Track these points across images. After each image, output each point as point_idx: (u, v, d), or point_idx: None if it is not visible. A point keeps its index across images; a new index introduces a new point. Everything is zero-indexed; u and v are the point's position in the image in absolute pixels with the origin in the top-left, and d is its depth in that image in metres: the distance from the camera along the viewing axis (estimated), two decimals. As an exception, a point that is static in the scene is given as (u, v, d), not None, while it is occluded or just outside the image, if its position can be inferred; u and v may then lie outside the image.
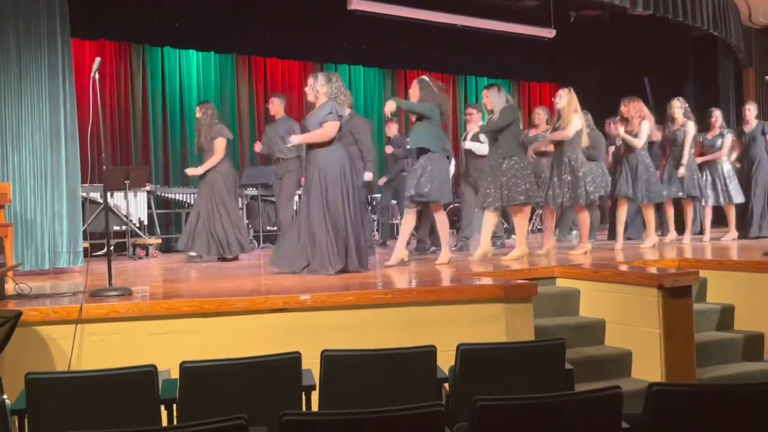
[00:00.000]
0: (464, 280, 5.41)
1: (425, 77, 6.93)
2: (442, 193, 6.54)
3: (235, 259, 7.87)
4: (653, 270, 5.62)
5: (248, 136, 11.73)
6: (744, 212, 9.20)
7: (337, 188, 5.93)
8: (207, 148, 7.84)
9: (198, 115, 8.02)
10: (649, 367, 5.03)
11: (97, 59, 4.85)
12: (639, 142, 7.67)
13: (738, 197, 8.77)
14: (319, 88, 6.11)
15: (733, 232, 8.83)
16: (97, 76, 4.75)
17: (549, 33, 11.50)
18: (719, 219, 9.38)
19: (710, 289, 6.02)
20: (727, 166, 8.84)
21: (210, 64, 11.64)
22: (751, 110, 9.28)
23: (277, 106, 8.25)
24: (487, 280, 5.19)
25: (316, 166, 5.96)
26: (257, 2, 10.46)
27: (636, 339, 5.17)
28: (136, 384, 3.07)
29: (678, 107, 8.45)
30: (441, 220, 6.71)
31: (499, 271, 5.77)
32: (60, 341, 4.14)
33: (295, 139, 6.25)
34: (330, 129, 5.95)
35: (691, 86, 13.17)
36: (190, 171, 8.10)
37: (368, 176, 7.62)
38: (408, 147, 7.64)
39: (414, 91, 6.74)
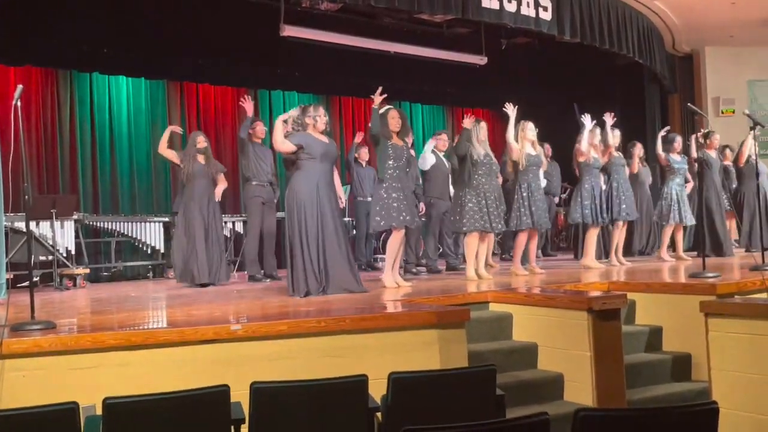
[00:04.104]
0: (397, 307, 5.40)
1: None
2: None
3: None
4: (582, 294, 5.70)
5: (180, 161, 11.57)
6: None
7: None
8: (214, 176, 8.45)
9: (206, 144, 8.47)
10: (580, 390, 5.08)
11: (19, 87, 4.72)
12: None
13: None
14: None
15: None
16: (19, 103, 4.62)
17: (481, 60, 11.72)
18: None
19: (639, 312, 6.13)
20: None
21: (141, 90, 11.47)
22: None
23: None
24: (420, 307, 5.18)
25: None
26: (189, 28, 10.39)
27: (567, 362, 5.22)
28: (57, 422, 2.95)
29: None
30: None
31: (432, 297, 5.78)
32: (-22, 379, 3.98)
33: None
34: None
35: (618, 112, 13.51)
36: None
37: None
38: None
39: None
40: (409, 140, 8.68)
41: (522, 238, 8.01)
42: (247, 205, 8.86)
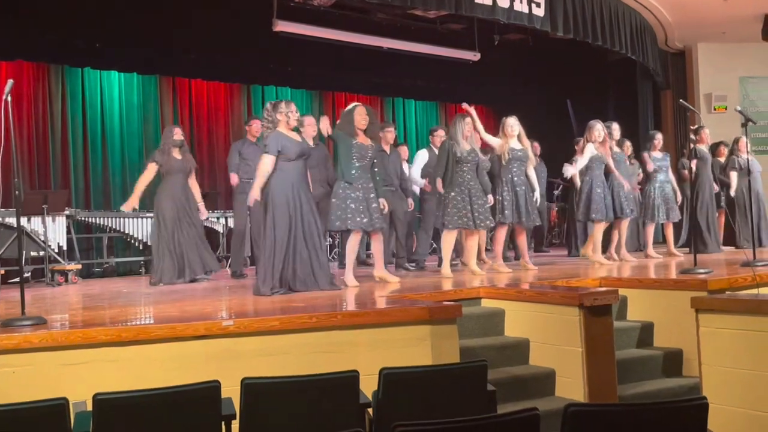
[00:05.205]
0: (389, 303, 5.39)
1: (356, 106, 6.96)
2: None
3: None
4: (574, 290, 5.70)
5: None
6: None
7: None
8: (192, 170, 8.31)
9: (182, 137, 8.28)
10: (572, 386, 5.09)
11: (10, 81, 4.70)
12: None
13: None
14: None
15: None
16: (9, 98, 4.61)
17: (474, 56, 11.72)
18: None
19: (630, 307, 6.14)
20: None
21: (132, 86, 11.42)
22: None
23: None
24: (412, 302, 5.18)
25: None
26: (181, 23, 10.34)
27: (559, 358, 5.23)
28: (47, 418, 2.94)
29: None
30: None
31: (424, 293, 5.78)
32: (-32, 374, 3.96)
33: None
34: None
35: (611, 108, 13.55)
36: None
37: None
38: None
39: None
40: (391, 136, 8.67)
41: (500, 232, 7.86)
42: (235, 202, 8.82)
